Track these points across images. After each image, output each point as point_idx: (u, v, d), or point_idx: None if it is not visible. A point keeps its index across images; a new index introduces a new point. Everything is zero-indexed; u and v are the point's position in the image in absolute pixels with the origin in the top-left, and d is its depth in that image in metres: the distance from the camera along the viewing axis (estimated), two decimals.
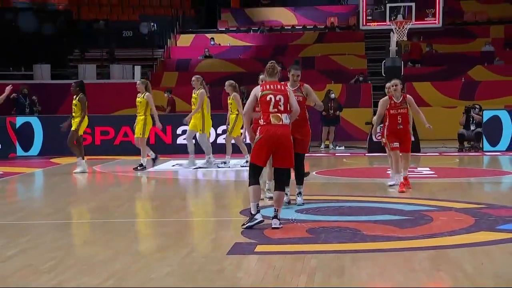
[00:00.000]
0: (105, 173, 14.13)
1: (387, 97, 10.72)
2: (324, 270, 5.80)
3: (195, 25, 32.75)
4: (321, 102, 9.30)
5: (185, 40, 30.41)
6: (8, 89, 13.43)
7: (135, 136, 14.25)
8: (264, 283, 5.49)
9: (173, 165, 15.02)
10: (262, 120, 7.66)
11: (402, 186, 10.54)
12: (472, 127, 18.49)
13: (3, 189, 12.50)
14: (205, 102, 14.13)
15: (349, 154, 18.04)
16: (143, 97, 14.04)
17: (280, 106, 7.62)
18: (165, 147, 17.52)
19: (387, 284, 5.57)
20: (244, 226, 7.58)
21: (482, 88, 23.77)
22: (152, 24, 29.41)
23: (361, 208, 9.14)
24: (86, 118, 13.85)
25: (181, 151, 16.14)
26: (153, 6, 33.61)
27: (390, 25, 18.20)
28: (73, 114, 13.89)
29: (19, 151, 17.98)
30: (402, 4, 18.36)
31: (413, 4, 18.28)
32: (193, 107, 14.27)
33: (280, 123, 7.60)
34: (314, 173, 12.85)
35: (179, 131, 17.47)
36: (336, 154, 18.24)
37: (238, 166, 14.47)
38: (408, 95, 10.82)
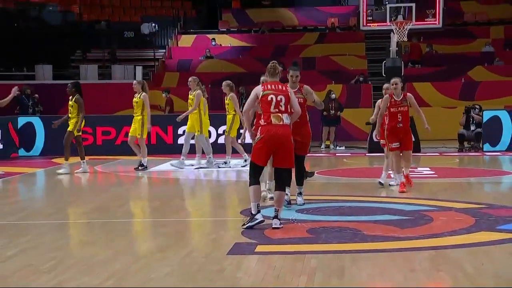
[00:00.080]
0: (106, 173, 14.15)
1: (387, 95, 10.74)
2: (324, 270, 5.81)
3: (196, 25, 32.82)
4: (320, 101, 9.31)
5: (186, 40, 30.47)
6: (14, 90, 13.50)
7: (130, 135, 14.25)
8: (264, 283, 5.49)
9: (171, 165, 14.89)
10: (263, 120, 7.67)
11: (403, 186, 10.55)
12: (472, 127, 18.52)
13: (4, 189, 12.53)
14: (201, 103, 14.17)
15: (349, 154, 18.06)
16: (140, 97, 14.05)
17: (281, 106, 7.62)
18: (166, 147, 17.59)
19: (387, 284, 5.57)
20: (245, 226, 7.58)
21: (482, 89, 23.82)
22: (153, 25, 29.46)
23: (361, 208, 9.14)
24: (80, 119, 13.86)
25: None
26: (155, 7, 33.67)
27: (391, 25, 18.24)
28: (69, 115, 13.91)
29: (21, 151, 18.00)
30: (402, 5, 18.42)
31: (413, 5, 18.33)
32: (189, 108, 14.31)
33: (281, 123, 7.60)
34: (315, 173, 12.85)
35: (180, 131, 17.52)
36: (337, 154, 18.26)
37: (238, 166, 14.48)
38: (408, 93, 10.83)
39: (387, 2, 18.52)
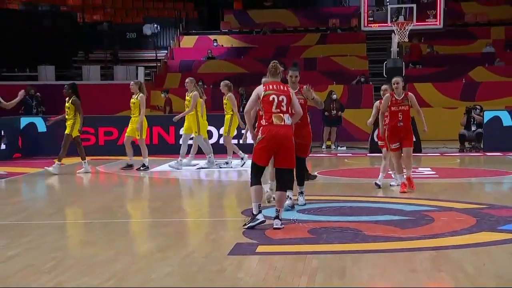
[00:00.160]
0: (108, 174, 14.16)
1: (388, 94, 10.73)
2: (325, 270, 5.80)
3: (198, 26, 32.88)
4: (320, 100, 9.30)
5: (188, 41, 30.54)
6: (21, 94, 13.58)
7: (127, 135, 14.25)
8: (265, 283, 5.49)
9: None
10: (264, 120, 7.66)
11: (404, 187, 10.54)
12: (473, 128, 18.54)
13: (7, 189, 12.56)
14: (198, 104, 14.18)
15: (350, 155, 18.08)
16: (137, 98, 14.07)
17: (283, 107, 7.62)
18: (168, 147, 17.65)
19: (388, 285, 5.57)
20: (246, 226, 7.58)
21: (482, 89, 23.86)
22: (155, 25, 29.55)
23: (362, 208, 9.14)
24: (78, 119, 13.85)
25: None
26: (157, 8, 33.79)
27: (392, 26, 18.24)
28: (66, 116, 13.93)
29: (24, 151, 18.06)
30: (403, 6, 18.44)
31: (414, 6, 18.37)
32: (186, 109, 14.32)
33: (282, 123, 7.60)
34: (316, 173, 12.80)
35: (181, 131, 17.59)
36: (338, 155, 18.28)
37: (240, 166, 14.50)
38: (409, 93, 10.80)
39: (388, 3, 18.54)
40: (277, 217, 7.62)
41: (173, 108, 22.33)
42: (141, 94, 14.05)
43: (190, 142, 14.64)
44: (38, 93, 22.94)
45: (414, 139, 10.91)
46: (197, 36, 30.82)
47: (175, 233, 7.86)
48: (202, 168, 14.41)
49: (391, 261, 6.26)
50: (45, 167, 13.83)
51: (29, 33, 27.89)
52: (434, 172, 13.59)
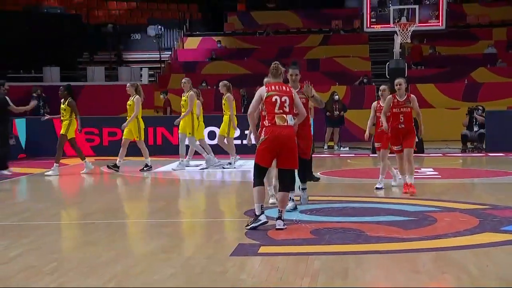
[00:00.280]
0: (112, 174, 14.13)
1: (390, 95, 10.66)
2: (327, 272, 5.77)
3: (202, 28, 33.03)
4: (320, 98, 9.23)
5: (192, 42, 30.69)
6: (32, 104, 13.87)
7: (124, 137, 14.25)
8: (267, 284, 5.47)
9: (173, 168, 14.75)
10: (267, 121, 7.64)
11: (406, 187, 10.48)
12: (475, 128, 18.61)
13: (10, 189, 12.59)
14: (195, 104, 14.20)
15: (353, 155, 18.08)
16: (133, 100, 14.08)
17: (286, 107, 7.60)
18: (172, 148, 17.73)
19: (391, 286, 5.54)
20: (248, 227, 7.54)
21: (485, 90, 23.91)
22: (159, 27, 29.71)
23: (365, 209, 9.12)
24: (74, 121, 13.88)
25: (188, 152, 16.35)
26: (161, 10, 33.95)
27: (394, 27, 18.26)
28: (62, 118, 13.93)
29: (28, 152, 18.09)
30: (405, 7, 18.51)
31: (416, 7, 18.45)
32: (182, 109, 14.32)
33: (285, 124, 7.58)
34: (318, 173, 12.86)
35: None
36: (341, 155, 18.29)
37: (243, 166, 14.56)
38: (412, 95, 10.68)
39: (390, 4, 18.61)
40: (279, 218, 7.60)
41: (174, 109, 22.43)
42: (137, 96, 14.06)
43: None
44: (42, 94, 23.08)
45: (417, 140, 10.76)
46: (200, 37, 30.98)
47: (178, 233, 7.87)
48: (205, 168, 14.43)
49: (394, 262, 6.23)
50: (44, 173, 13.80)
51: (34, 34, 28.07)
52: (436, 173, 13.60)
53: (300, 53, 28.03)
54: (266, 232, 7.41)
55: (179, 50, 30.03)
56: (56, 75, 26.48)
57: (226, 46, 29.75)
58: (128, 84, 14.63)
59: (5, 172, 13.68)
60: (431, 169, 14.13)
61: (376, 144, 11.38)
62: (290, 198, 8.57)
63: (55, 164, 13.74)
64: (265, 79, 8.93)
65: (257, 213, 7.58)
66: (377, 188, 10.97)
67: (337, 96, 20.21)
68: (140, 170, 14.19)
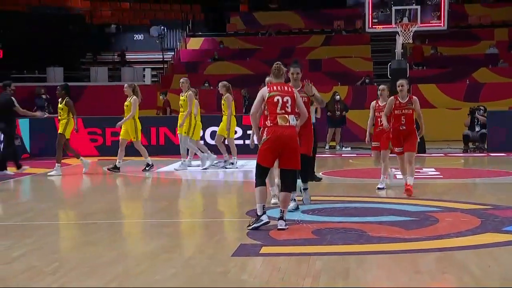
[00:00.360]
0: (114, 174, 14.06)
1: (392, 97, 10.56)
2: (329, 272, 5.75)
3: (204, 28, 33.18)
4: (321, 97, 9.16)
5: (194, 43, 30.82)
6: (40, 115, 13.91)
7: (121, 137, 14.27)
8: (269, 285, 5.45)
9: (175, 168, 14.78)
10: (269, 121, 7.61)
11: (408, 188, 10.30)
12: (477, 128, 18.63)
13: (13, 189, 12.61)
14: (193, 104, 14.22)
15: (355, 155, 18.08)
16: (130, 100, 14.08)
17: (288, 108, 7.58)
18: (175, 148, 17.80)
19: (392, 287, 5.51)
20: (250, 227, 7.52)
21: (486, 90, 23.98)
22: (162, 27, 29.84)
23: (366, 209, 9.10)
24: (72, 120, 13.88)
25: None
26: (164, 10, 34.09)
27: (396, 27, 18.23)
28: (59, 117, 13.92)
29: (31, 152, 18.12)
30: (407, 7, 18.56)
31: (418, 7, 18.49)
32: (181, 109, 14.33)
33: (287, 124, 7.56)
34: (320, 173, 12.82)
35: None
36: (342, 155, 18.31)
37: (245, 166, 14.58)
38: (414, 97, 10.56)
39: (392, 4, 18.66)
40: (281, 218, 7.59)
41: (175, 108, 22.50)
42: (134, 97, 14.05)
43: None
44: (47, 95, 23.20)
45: (418, 140, 10.62)
46: (203, 38, 31.13)
47: (179, 234, 7.87)
48: (208, 168, 14.45)
49: (396, 262, 6.21)
50: (47, 173, 13.83)
51: (38, 35, 28.22)
52: (438, 173, 13.60)
53: (302, 53, 28.11)
54: (268, 232, 7.39)
55: (182, 51, 30.15)
56: (59, 75, 26.63)
57: (228, 46, 29.86)
58: (126, 84, 14.63)
59: (8, 172, 13.73)
60: (433, 169, 14.13)
61: (373, 143, 11.27)
62: (292, 198, 8.55)
63: (56, 164, 13.76)
64: (267, 78, 8.89)
65: (259, 213, 7.57)
66: (378, 188, 10.95)
67: (338, 96, 20.26)
68: (143, 171, 14.19)
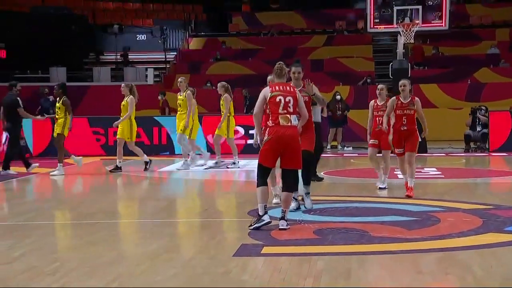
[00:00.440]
0: (117, 174, 14.11)
1: (394, 97, 10.50)
2: (330, 272, 5.73)
3: (206, 29, 33.29)
4: (322, 96, 9.08)
5: (197, 43, 30.92)
6: (39, 119, 13.93)
7: (118, 137, 14.31)
8: (270, 285, 5.43)
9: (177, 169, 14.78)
10: (270, 121, 7.60)
11: (408, 189, 10.21)
12: (478, 128, 18.69)
13: (15, 189, 12.61)
14: (192, 104, 14.23)
15: (356, 155, 18.08)
16: (127, 100, 14.10)
17: (290, 108, 7.57)
18: (178, 148, 17.97)
19: (394, 287, 5.48)
20: (251, 227, 7.51)
21: (487, 90, 24.06)
22: (165, 28, 29.95)
23: (368, 208, 9.09)
24: (68, 119, 13.91)
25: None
26: (166, 11, 34.20)
27: (398, 27, 18.23)
28: (56, 116, 13.95)
29: (34, 152, 18.17)
30: (409, 7, 18.61)
31: (420, 7, 18.55)
32: (179, 109, 14.36)
33: (289, 124, 7.54)
34: (322, 173, 12.79)
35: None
36: (344, 155, 18.35)
37: (247, 166, 14.62)
38: (416, 98, 10.45)
39: (394, 5, 18.71)
40: (282, 218, 7.57)
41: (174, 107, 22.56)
42: (131, 97, 14.08)
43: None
44: (52, 96, 23.26)
45: (420, 140, 10.58)
46: (205, 38, 31.25)
47: (181, 233, 7.87)
48: (210, 168, 14.49)
49: (397, 262, 6.19)
50: (50, 173, 13.86)
51: (41, 35, 28.34)
52: (439, 172, 13.61)
53: (304, 53, 28.18)
54: (269, 232, 7.38)
55: (184, 51, 30.24)
56: (62, 75, 26.74)
57: (230, 46, 29.94)
58: (123, 84, 14.66)
59: (11, 172, 13.78)
60: (434, 169, 14.15)
61: (371, 140, 11.13)
62: (294, 198, 8.55)
63: (59, 164, 13.79)
64: (269, 77, 8.89)
65: (260, 213, 7.55)
66: (380, 188, 10.96)
67: (339, 96, 20.31)
68: (144, 171, 14.21)
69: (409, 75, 17.73)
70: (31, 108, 20.24)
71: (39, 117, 13.67)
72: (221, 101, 14.48)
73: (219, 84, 14.64)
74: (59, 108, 13.89)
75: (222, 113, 14.51)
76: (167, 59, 29.29)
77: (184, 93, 14.24)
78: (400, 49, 18.72)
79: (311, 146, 8.71)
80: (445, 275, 5.73)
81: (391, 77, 18.46)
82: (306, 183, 9.01)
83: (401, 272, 5.87)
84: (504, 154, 17.57)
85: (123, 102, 14.23)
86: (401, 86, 10.31)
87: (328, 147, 19.74)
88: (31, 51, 27.75)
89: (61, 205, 10.48)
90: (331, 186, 11.83)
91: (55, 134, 14.02)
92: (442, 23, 18.74)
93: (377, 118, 10.99)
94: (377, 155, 11.21)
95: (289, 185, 7.72)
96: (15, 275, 5.77)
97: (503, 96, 23.34)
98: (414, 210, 8.82)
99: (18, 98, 13.70)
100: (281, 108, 7.57)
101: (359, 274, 5.73)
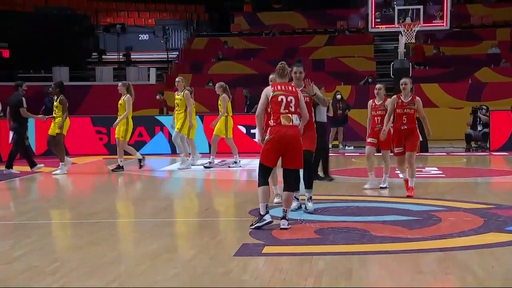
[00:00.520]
0: (118, 173, 14.08)
1: (395, 96, 10.47)
2: (331, 272, 5.72)
3: (208, 28, 33.39)
4: (323, 97, 9.03)
5: (199, 43, 30.99)
6: (41, 117, 14.05)
7: (116, 136, 14.34)
8: (271, 285, 5.42)
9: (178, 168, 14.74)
10: (272, 121, 7.58)
11: (409, 189, 10.15)
12: (479, 128, 18.72)
13: (18, 188, 12.60)
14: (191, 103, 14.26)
15: (358, 154, 17.99)
16: (124, 99, 14.11)
17: (291, 107, 7.55)
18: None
19: (395, 287, 5.47)
20: (253, 227, 7.50)
21: (488, 90, 24.11)
22: (167, 28, 30.03)
23: (369, 208, 9.07)
24: (68, 119, 13.96)
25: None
26: (169, 11, 34.31)
27: (399, 27, 18.26)
28: (54, 115, 13.96)
29: (36, 151, 18.11)
30: (410, 7, 18.66)
31: (421, 7, 18.59)
32: (176, 108, 14.38)
33: (290, 124, 7.53)
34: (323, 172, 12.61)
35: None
36: (345, 154, 18.36)
37: (248, 165, 14.65)
38: (417, 97, 10.39)
39: (395, 4, 18.76)
40: (284, 217, 7.56)
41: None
42: (128, 96, 14.09)
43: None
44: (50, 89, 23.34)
45: (421, 139, 10.53)
46: (207, 38, 31.32)
47: (181, 233, 7.86)
48: (208, 167, 14.44)
49: (398, 262, 6.18)
50: (52, 172, 13.87)
51: (44, 35, 28.44)
52: (440, 172, 13.62)
53: (306, 53, 28.24)
54: (271, 231, 7.36)
55: (187, 51, 30.33)
56: (65, 75, 26.84)
57: (232, 46, 30.01)
58: (120, 83, 14.67)
59: (14, 171, 13.83)
60: (435, 168, 14.16)
61: (369, 139, 11.12)
62: (295, 197, 8.54)
63: (61, 163, 13.83)
64: (271, 76, 8.88)
65: (261, 213, 7.54)
66: (381, 188, 10.95)
67: (339, 95, 20.34)
68: (139, 168, 14.19)
69: (410, 75, 17.78)
70: (35, 108, 20.31)
71: (40, 116, 13.74)
72: (219, 101, 14.51)
73: (217, 85, 14.68)
74: (57, 106, 13.91)
75: (219, 113, 14.53)
76: (169, 59, 29.38)
77: (182, 93, 14.27)
78: (401, 49, 18.76)
79: (312, 146, 8.65)
80: (445, 275, 5.72)
81: (392, 77, 18.52)
82: (308, 186, 8.84)
83: (402, 272, 5.86)
84: (505, 153, 17.58)
85: (120, 101, 14.23)
86: (402, 85, 10.26)
87: (330, 146, 19.74)
88: (34, 51, 27.87)
89: (62, 205, 10.47)
90: (332, 186, 11.81)
91: (53, 133, 13.98)
92: (443, 22, 18.79)
93: (376, 118, 11.02)
94: (376, 154, 11.22)
95: (290, 184, 7.71)
96: (15, 275, 5.76)
97: (504, 96, 23.38)
98: (415, 210, 8.81)
99: (23, 98, 13.75)
100: (282, 107, 7.56)
101: (360, 274, 5.72)
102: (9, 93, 14.29)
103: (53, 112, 14.02)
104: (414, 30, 18.29)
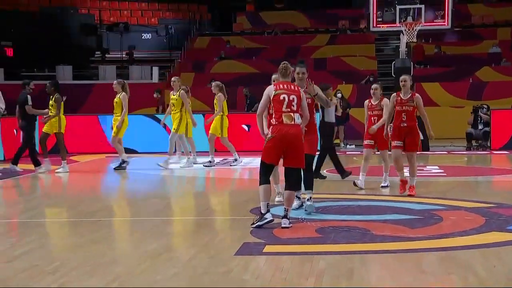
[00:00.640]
0: (120, 171, 14.06)
1: (395, 93, 10.43)
2: (332, 272, 5.70)
3: (211, 28, 33.50)
4: (325, 97, 9.02)
5: (201, 42, 31.09)
6: (45, 112, 14.09)
7: (113, 135, 14.31)
8: (271, 285, 5.40)
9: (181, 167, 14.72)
10: (274, 120, 7.57)
11: (410, 188, 10.16)
12: (480, 127, 18.76)
13: (20, 186, 12.60)
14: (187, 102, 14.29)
15: (359, 153, 17.68)
16: (119, 97, 14.09)
17: (293, 106, 7.54)
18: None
19: (396, 287, 5.45)
20: (254, 225, 7.48)
21: (489, 89, 24.15)
22: (170, 27, 30.14)
23: (370, 207, 9.07)
24: (64, 117, 13.98)
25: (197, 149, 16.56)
26: (171, 10, 34.44)
27: (400, 26, 18.30)
28: (50, 113, 13.95)
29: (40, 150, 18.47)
30: (411, 6, 18.74)
31: (422, 6, 18.66)
32: (172, 108, 14.37)
33: (292, 122, 7.52)
34: (324, 171, 12.76)
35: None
36: (347, 153, 18.35)
37: (249, 164, 14.68)
38: (417, 94, 10.33)
39: (396, 4, 18.82)
40: (285, 216, 7.54)
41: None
42: (123, 93, 14.06)
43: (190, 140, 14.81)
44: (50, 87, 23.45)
45: (422, 138, 10.57)
46: (210, 37, 31.41)
47: (182, 232, 7.84)
48: (209, 166, 14.45)
49: (400, 262, 6.17)
50: (55, 171, 13.86)
51: (47, 34, 28.59)
52: (441, 171, 13.63)
53: (308, 52, 28.32)
54: (272, 230, 7.34)
55: (189, 50, 30.45)
56: (68, 73, 27.01)
57: (235, 45, 30.10)
58: (115, 81, 14.65)
59: (17, 168, 13.89)
60: (436, 167, 14.18)
61: (367, 141, 11.15)
62: (296, 196, 8.56)
63: (62, 161, 13.85)
64: (274, 76, 8.89)
65: (263, 211, 7.53)
66: (382, 186, 10.96)
67: (340, 94, 20.33)
68: (117, 168, 14.09)
69: (412, 74, 17.86)
70: (40, 106, 20.37)
71: (46, 110, 13.90)
72: (214, 100, 14.53)
73: (213, 84, 14.71)
74: (52, 105, 13.92)
75: (215, 111, 14.57)
76: (172, 58, 29.50)
77: (178, 93, 14.29)
78: (402, 48, 18.85)
79: (312, 150, 8.61)
80: (447, 275, 5.70)
81: (394, 76, 18.61)
82: (309, 188, 8.76)
83: (403, 271, 5.84)
84: (506, 152, 17.60)
85: (115, 99, 14.20)
86: (401, 81, 10.22)
87: None
88: (38, 50, 28.02)
89: (63, 203, 10.46)
90: (333, 184, 11.81)
91: (49, 131, 13.96)
92: (444, 22, 18.85)
93: (372, 118, 11.05)
94: (376, 152, 11.23)
95: (292, 183, 7.69)
96: (16, 274, 5.74)
97: (505, 95, 23.42)
98: (417, 209, 8.79)
99: (28, 96, 13.80)
100: (284, 106, 7.55)
101: (361, 274, 5.70)
102: (14, 92, 14.38)
103: (49, 111, 14.02)
104: (415, 30, 18.34)
